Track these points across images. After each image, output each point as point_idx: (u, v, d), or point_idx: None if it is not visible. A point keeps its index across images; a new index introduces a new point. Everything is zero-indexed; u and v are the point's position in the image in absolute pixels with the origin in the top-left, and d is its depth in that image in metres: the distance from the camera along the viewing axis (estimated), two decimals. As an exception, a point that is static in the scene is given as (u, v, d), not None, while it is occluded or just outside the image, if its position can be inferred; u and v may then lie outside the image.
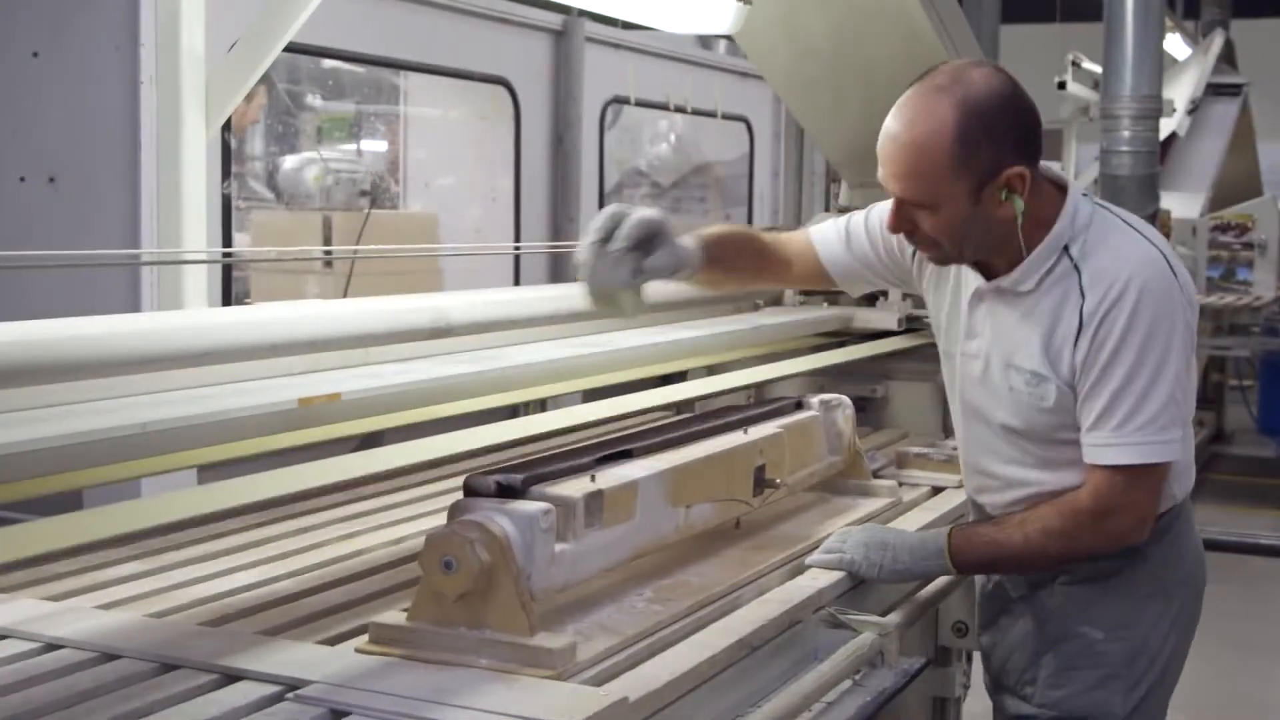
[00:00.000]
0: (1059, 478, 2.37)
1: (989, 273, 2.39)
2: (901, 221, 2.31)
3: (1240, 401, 10.17)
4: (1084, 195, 2.39)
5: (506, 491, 1.94)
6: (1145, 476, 2.29)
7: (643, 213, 2.32)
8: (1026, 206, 2.24)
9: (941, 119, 2.18)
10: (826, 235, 2.69)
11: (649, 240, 2.32)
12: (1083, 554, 2.39)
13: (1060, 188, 2.37)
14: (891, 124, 2.25)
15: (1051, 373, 2.30)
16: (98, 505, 2.20)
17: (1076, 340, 2.26)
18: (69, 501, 2.14)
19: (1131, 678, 2.43)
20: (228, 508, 2.51)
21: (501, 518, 1.85)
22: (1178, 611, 2.49)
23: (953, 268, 2.46)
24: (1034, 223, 2.28)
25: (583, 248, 2.29)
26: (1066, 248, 2.31)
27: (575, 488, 2.00)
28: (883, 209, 2.48)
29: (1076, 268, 2.29)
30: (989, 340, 2.39)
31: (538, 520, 1.88)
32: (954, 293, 2.49)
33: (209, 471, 2.54)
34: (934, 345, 2.59)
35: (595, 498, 2.01)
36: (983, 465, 2.51)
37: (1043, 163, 2.32)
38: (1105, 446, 2.27)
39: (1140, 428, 2.24)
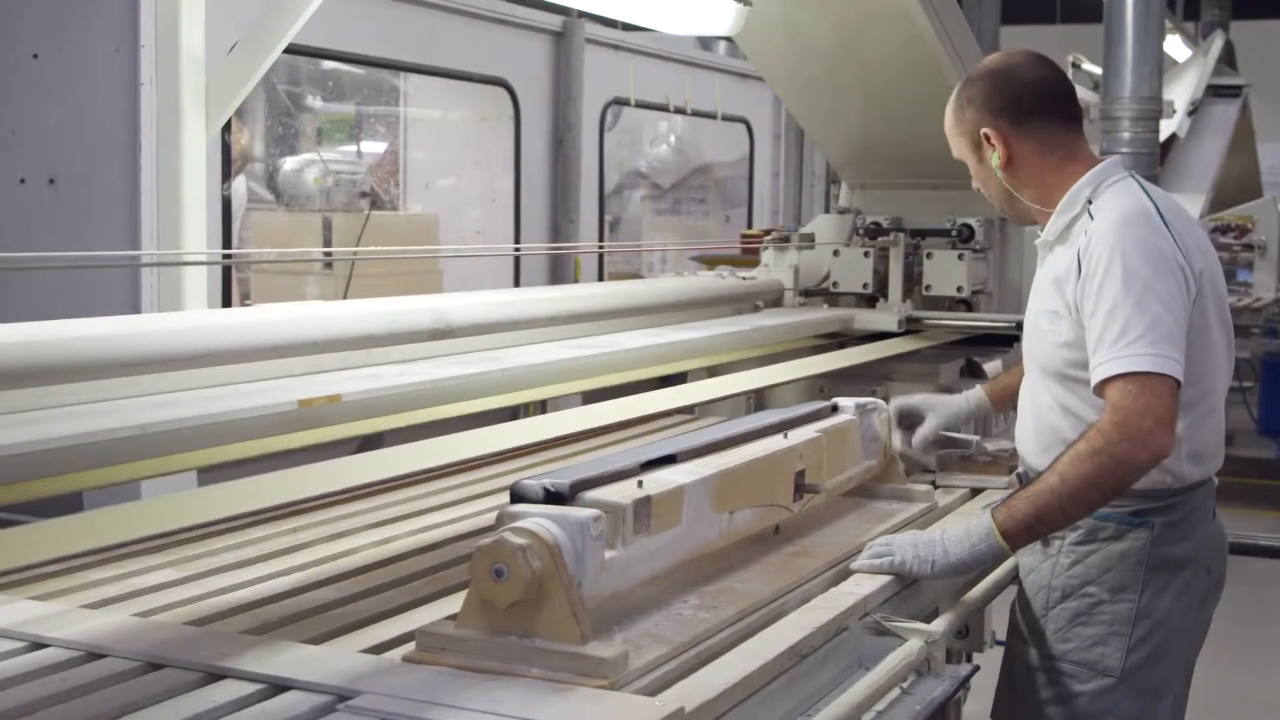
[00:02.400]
0: (1072, 423, 2.55)
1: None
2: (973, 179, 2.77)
3: (1241, 403, 10.17)
4: (1130, 173, 2.66)
5: (554, 498, 1.91)
6: (1152, 385, 2.37)
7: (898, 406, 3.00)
8: (1009, 160, 2.63)
9: (952, 92, 2.72)
10: None
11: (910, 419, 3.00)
12: (1115, 467, 2.38)
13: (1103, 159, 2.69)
14: None
15: (1065, 308, 2.55)
16: (98, 507, 2.20)
17: (1079, 274, 2.51)
18: (69, 503, 2.13)
19: (1132, 638, 2.56)
20: (241, 511, 2.51)
21: (552, 525, 1.81)
22: (1184, 585, 2.58)
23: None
24: (1063, 184, 2.62)
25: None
26: (1090, 202, 2.58)
27: (623, 493, 1.97)
28: None
29: (1092, 218, 2.57)
30: (1035, 293, 2.70)
31: (588, 527, 1.83)
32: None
33: (209, 473, 2.53)
34: (934, 346, 2.82)
35: (644, 504, 1.98)
36: (1024, 407, 2.74)
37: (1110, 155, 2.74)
38: (1106, 363, 2.41)
39: (1133, 341, 2.39)
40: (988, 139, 2.64)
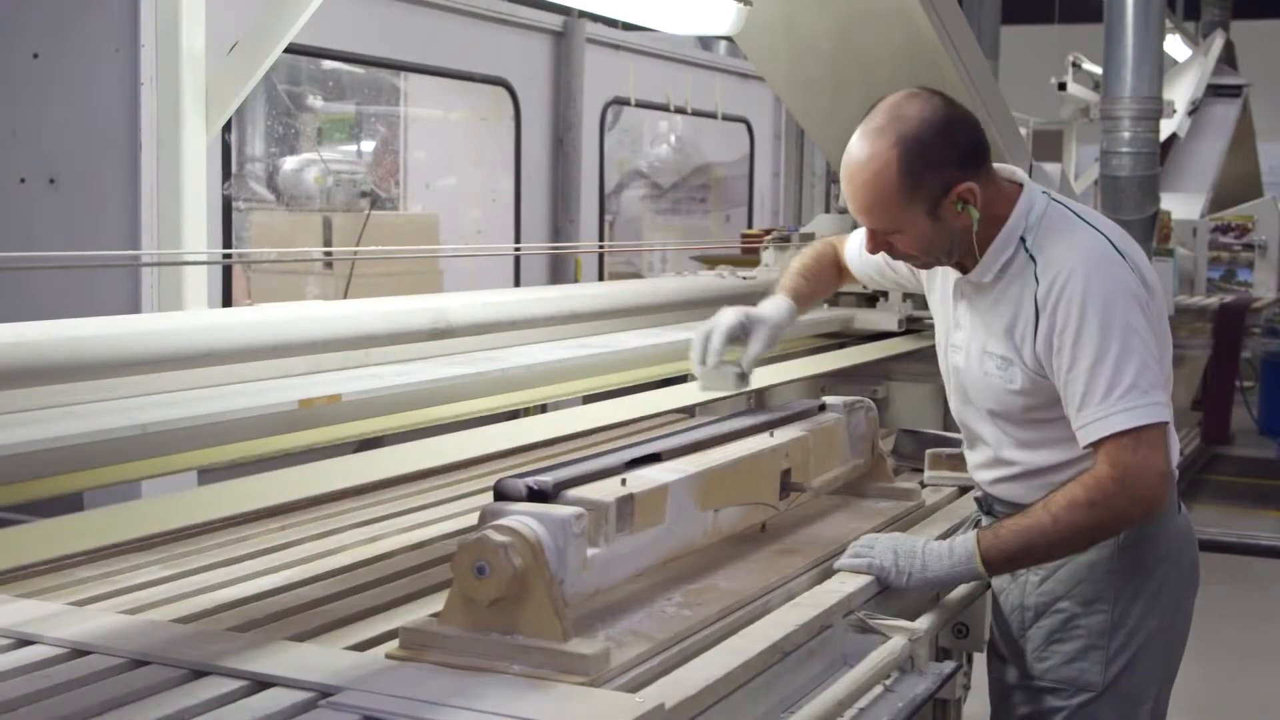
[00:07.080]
0: (1036, 457, 2.52)
1: (965, 270, 2.56)
2: (878, 245, 2.52)
3: (1241, 403, 10.17)
4: (1043, 192, 2.54)
5: (537, 495, 1.92)
6: (1147, 437, 2.33)
7: (726, 324, 2.72)
8: (980, 211, 2.42)
9: (885, 159, 2.38)
10: (850, 249, 2.98)
11: (744, 334, 2.73)
12: (1111, 521, 2.38)
13: (1018, 184, 2.52)
14: (845, 166, 2.46)
15: (1016, 356, 2.45)
16: (98, 507, 2.20)
17: (1036, 325, 2.41)
18: (69, 503, 2.13)
19: (1110, 649, 2.53)
20: (240, 511, 2.50)
21: (534, 522, 1.83)
22: (1157, 588, 2.54)
23: (940, 269, 2.62)
24: (992, 220, 2.45)
25: (693, 362, 2.73)
26: (1024, 240, 2.46)
27: (606, 491, 1.98)
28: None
29: (1032, 258, 2.44)
30: (969, 331, 2.56)
31: (570, 525, 1.84)
32: (944, 291, 2.65)
33: (209, 473, 2.54)
34: (934, 346, 2.74)
35: (626, 502, 1.99)
36: (973, 445, 2.67)
37: (997, 164, 2.51)
38: (1098, 421, 2.34)
39: (1124, 394, 2.32)
40: (962, 197, 2.39)
